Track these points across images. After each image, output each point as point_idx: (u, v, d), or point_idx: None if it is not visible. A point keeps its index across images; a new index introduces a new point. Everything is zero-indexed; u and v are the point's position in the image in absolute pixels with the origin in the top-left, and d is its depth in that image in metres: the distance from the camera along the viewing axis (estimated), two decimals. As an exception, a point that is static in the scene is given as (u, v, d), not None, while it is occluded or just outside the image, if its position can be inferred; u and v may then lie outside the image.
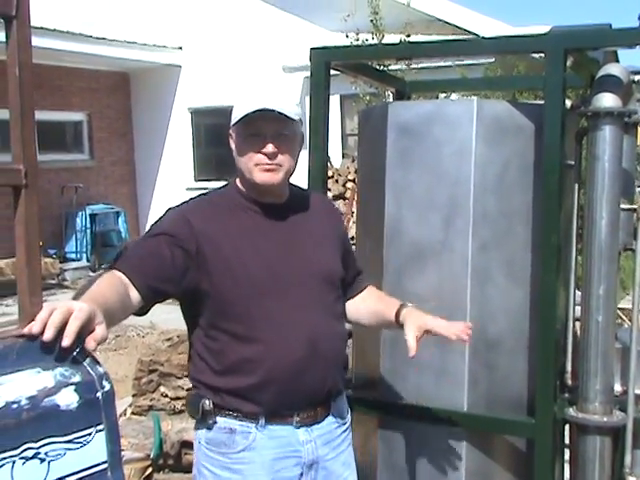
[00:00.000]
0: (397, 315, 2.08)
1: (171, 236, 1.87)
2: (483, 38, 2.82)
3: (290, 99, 1.97)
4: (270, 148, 1.90)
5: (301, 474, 1.97)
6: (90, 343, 1.32)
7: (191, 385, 2.04)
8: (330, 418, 2.03)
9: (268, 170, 1.92)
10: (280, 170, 1.93)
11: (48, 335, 1.24)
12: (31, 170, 1.32)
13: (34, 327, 1.26)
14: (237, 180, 2.04)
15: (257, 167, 1.92)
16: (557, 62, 2.17)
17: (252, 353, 1.90)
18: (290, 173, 1.99)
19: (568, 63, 2.23)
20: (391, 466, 2.52)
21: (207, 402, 1.93)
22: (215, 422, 1.94)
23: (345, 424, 2.10)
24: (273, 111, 1.87)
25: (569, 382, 2.49)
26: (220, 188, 2.09)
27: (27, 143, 1.32)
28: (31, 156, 1.33)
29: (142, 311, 1.83)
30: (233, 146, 1.99)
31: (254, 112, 1.88)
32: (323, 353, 1.96)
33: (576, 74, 2.58)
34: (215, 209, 1.99)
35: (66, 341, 1.26)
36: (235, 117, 1.93)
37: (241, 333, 1.91)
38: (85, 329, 1.31)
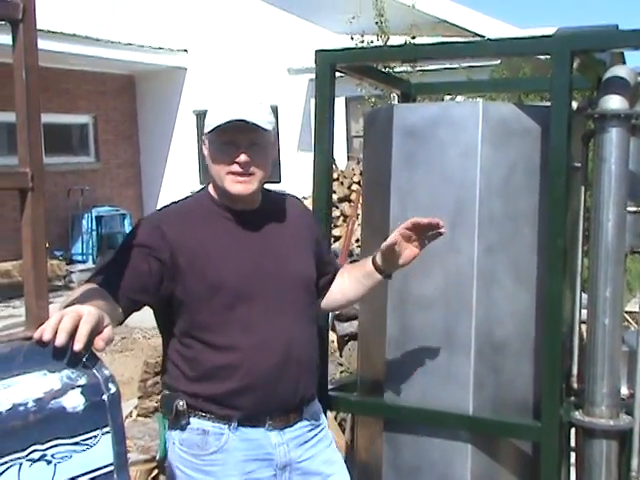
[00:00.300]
0: (374, 263, 2.11)
1: (145, 247, 1.88)
2: (489, 40, 2.82)
3: (264, 107, 1.98)
4: (243, 158, 1.92)
5: (274, 475, 1.99)
6: (99, 343, 1.33)
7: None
8: (302, 422, 2.05)
9: (241, 182, 1.94)
10: (253, 180, 1.95)
11: (60, 340, 1.25)
12: (37, 173, 1.32)
13: (45, 334, 1.26)
14: (210, 187, 2.05)
15: (230, 176, 1.94)
16: (564, 64, 2.17)
17: (227, 360, 1.92)
18: (263, 182, 2.01)
19: (575, 65, 2.23)
20: (396, 468, 2.52)
21: (181, 403, 1.95)
22: (188, 423, 1.95)
23: (319, 426, 2.12)
24: (247, 122, 1.88)
25: (575, 385, 2.48)
26: (192, 195, 2.11)
27: (34, 146, 1.32)
28: (38, 159, 1.33)
29: (120, 321, 1.83)
30: (206, 153, 2.01)
31: (227, 122, 1.89)
32: (297, 359, 1.98)
33: (582, 76, 2.57)
34: (188, 217, 2.00)
35: (77, 345, 1.27)
36: (208, 125, 1.94)
37: (215, 341, 1.93)
38: (94, 332, 1.32)
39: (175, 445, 1.99)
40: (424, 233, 2.04)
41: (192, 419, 1.95)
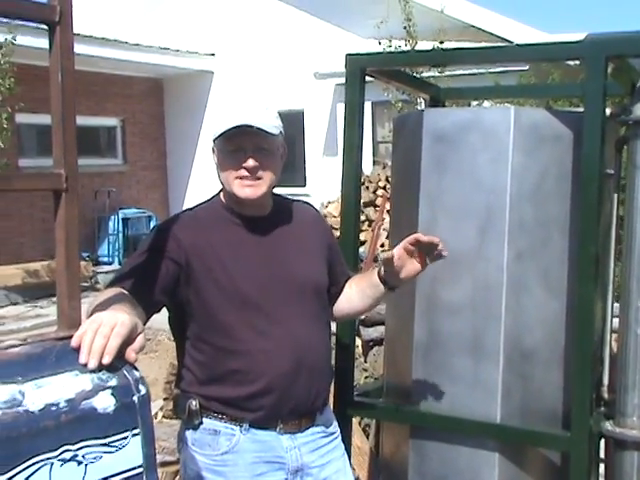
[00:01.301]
0: (379, 274, 2.10)
1: (162, 251, 1.92)
2: (520, 45, 2.79)
3: (270, 112, 2.01)
4: (251, 162, 1.94)
5: (286, 479, 1.99)
6: (131, 355, 1.34)
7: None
8: (314, 428, 2.06)
9: (250, 186, 1.96)
10: (262, 185, 1.97)
11: (92, 365, 1.26)
12: (71, 174, 1.34)
13: (81, 357, 1.27)
14: (221, 194, 2.08)
15: (238, 181, 1.96)
16: (598, 69, 2.14)
17: (238, 366, 1.94)
18: (272, 186, 2.02)
19: (608, 70, 2.20)
20: (422, 475, 2.50)
21: (194, 403, 1.97)
22: (201, 422, 1.98)
23: (333, 434, 2.13)
24: (252, 127, 1.90)
25: (606, 395, 2.44)
26: (205, 202, 2.13)
27: (68, 148, 1.34)
28: (72, 161, 1.35)
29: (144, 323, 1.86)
30: (215, 160, 2.03)
31: (233, 128, 1.92)
32: (309, 365, 1.99)
33: (615, 81, 2.54)
34: (200, 223, 2.03)
35: (106, 359, 1.27)
36: (215, 132, 1.97)
37: (227, 346, 1.95)
38: (126, 343, 1.33)
39: (187, 445, 2.01)
40: (426, 251, 2.01)
41: (204, 419, 1.98)
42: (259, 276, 1.98)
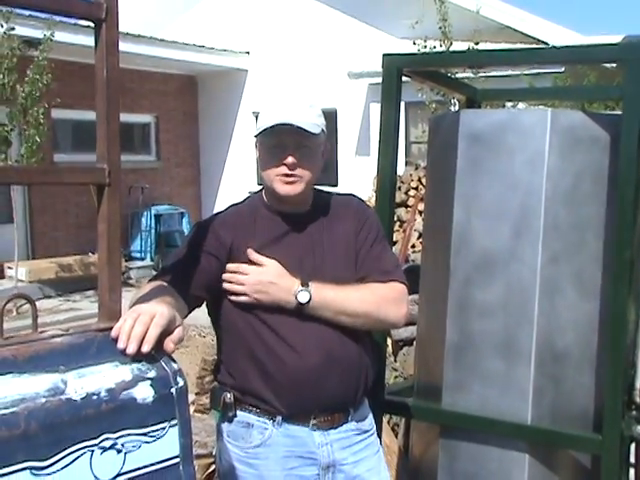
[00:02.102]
0: None
1: (204, 247, 1.96)
2: (557, 47, 2.78)
3: (313, 110, 2.00)
4: (290, 160, 1.94)
5: (317, 475, 2.00)
6: (169, 345, 1.38)
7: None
8: (348, 425, 2.06)
9: (289, 183, 1.97)
10: (301, 182, 1.98)
11: (131, 349, 1.30)
12: (114, 169, 1.37)
13: (120, 342, 1.31)
14: (263, 191, 2.10)
15: (278, 178, 1.97)
16: (636, 71, 2.12)
17: (270, 359, 1.96)
18: (312, 184, 2.03)
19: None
20: (452, 475, 2.50)
21: (228, 395, 2.01)
22: (235, 415, 2.01)
23: (367, 432, 2.12)
24: (292, 125, 1.91)
25: (638, 399, 2.42)
26: (247, 198, 2.15)
27: (111, 143, 1.36)
28: (115, 156, 1.38)
29: (184, 317, 1.89)
30: (257, 155, 2.06)
31: (273, 126, 1.93)
32: (339, 361, 1.98)
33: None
34: (241, 220, 2.04)
35: (146, 347, 1.31)
36: (257, 128, 1.99)
37: (259, 340, 1.97)
38: (165, 333, 1.37)
39: (222, 436, 2.05)
40: None
41: (239, 412, 2.01)
42: (292, 271, 1.99)
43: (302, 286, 1.94)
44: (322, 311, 1.96)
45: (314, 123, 1.96)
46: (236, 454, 2.01)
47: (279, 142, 1.96)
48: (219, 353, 2.10)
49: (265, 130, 1.96)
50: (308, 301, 1.94)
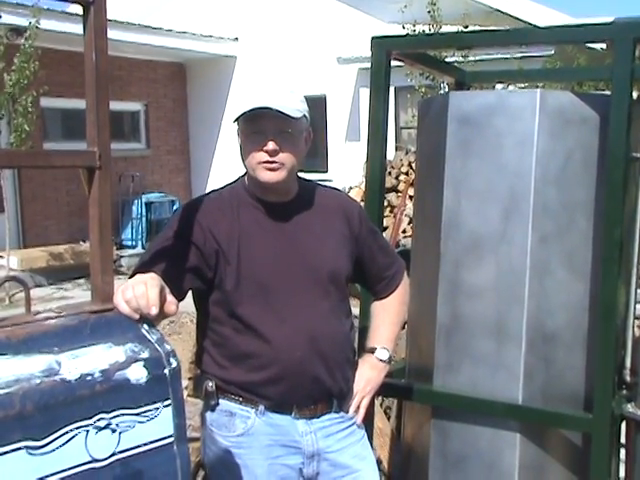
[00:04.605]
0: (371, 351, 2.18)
1: (185, 235, 1.92)
2: (548, 27, 2.77)
3: (295, 95, 1.96)
4: (271, 146, 1.90)
5: (302, 463, 2.00)
6: (171, 308, 1.41)
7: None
8: (331, 414, 2.05)
9: (270, 169, 1.92)
10: (283, 169, 1.93)
11: (153, 312, 1.36)
12: (105, 153, 1.37)
13: (125, 305, 1.35)
14: (245, 177, 2.06)
15: (259, 165, 1.93)
16: (626, 52, 2.13)
17: (251, 350, 1.95)
18: (295, 171, 1.99)
19: (637, 53, 2.19)
20: (444, 456, 2.53)
21: (210, 384, 2.00)
22: (217, 404, 2.00)
23: (351, 419, 2.11)
24: (271, 109, 1.87)
25: (628, 379, 2.45)
26: (229, 184, 2.11)
27: (101, 127, 1.36)
28: (105, 139, 1.37)
29: None
30: (239, 142, 2.00)
31: (252, 110, 1.89)
32: (323, 352, 1.98)
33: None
34: (223, 206, 2.01)
35: (153, 310, 1.35)
36: (237, 113, 1.94)
37: (241, 330, 1.96)
38: (162, 297, 1.40)
39: (207, 425, 2.04)
40: None
41: (221, 400, 2.00)
42: (276, 262, 1.98)
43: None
44: None
45: (295, 108, 1.92)
46: (220, 443, 2.00)
47: (259, 128, 1.91)
48: (201, 341, 2.06)
49: (244, 115, 1.91)
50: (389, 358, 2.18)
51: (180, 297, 1.81)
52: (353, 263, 2.11)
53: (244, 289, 1.94)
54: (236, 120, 1.95)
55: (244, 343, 1.95)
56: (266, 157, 1.91)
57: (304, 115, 1.96)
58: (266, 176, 1.93)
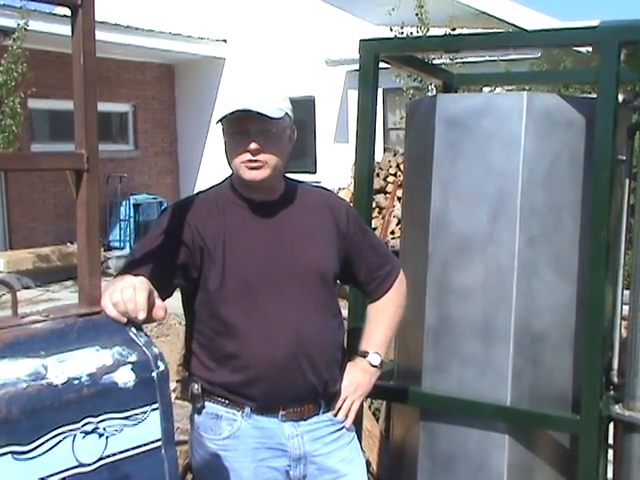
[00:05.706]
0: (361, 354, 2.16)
1: (172, 235, 1.92)
2: (533, 31, 2.79)
3: (276, 94, 1.97)
4: (253, 145, 1.91)
5: (289, 466, 1.99)
6: (159, 313, 1.39)
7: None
8: (319, 417, 2.04)
9: (254, 168, 1.94)
10: (266, 167, 1.94)
11: (141, 316, 1.35)
12: (92, 155, 1.36)
13: (116, 307, 1.34)
14: (232, 177, 2.07)
15: (243, 165, 1.94)
16: (612, 55, 2.15)
17: (234, 350, 1.94)
18: (279, 169, 1.99)
19: (622, 57, 2.21)
20: (432, 457, 2.53)
21: (196, 386, 1.99)
22: (203, 407, 1.99)
23: (339, 423, 2.09)
24: (251, 111, 1.88)
25: (615, 380, 2.47)
26: (216, 185, 2.12)
27: (89, 129, 1.36)
28: (93, 141, 1.37)
29: None
30: (224, 142, 2.02)
31: (232, 113, 1.90)
32: (309, 351, 1.97)
33: (629, 68, 2.54)
34: (209, 207, 2.01)
35: (141, 315, 1.34)
36: (220, 114, 1.95)
37: (224, 330, 1.95)
38: (150, 301, 1.39)
39: (194, 427, 2.03)
40: None
41: (207, 403, 1.99)
42: (263, 261, 1.97)
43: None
44: None
45: (277, 107, 1.93)
46: (207, 446, 1.99)
47: (242, 128, 1.92)
48: (188, 344, 2.06)
49: (226, 117, 1.92)
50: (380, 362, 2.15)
51: (165, 295, 1.80)
52: (341, 262, 2.10)
53: (228, 288, 1.94)
54: (219, 121, 1.96)
55: (227, 344, 1.95)
56: (249, 156, 1.92)
57: (286, 113, 1.97)
58: (249, 175, 1.94)
